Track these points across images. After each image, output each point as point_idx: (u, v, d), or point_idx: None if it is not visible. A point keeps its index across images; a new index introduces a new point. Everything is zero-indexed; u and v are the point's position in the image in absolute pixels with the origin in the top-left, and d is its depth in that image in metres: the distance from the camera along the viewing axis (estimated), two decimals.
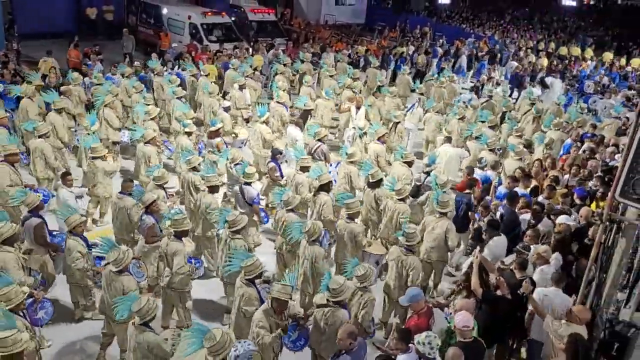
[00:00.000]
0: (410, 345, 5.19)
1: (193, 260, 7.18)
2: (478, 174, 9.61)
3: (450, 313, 5.88)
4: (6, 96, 11.63)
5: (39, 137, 9.13)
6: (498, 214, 8.26)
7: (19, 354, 4.66)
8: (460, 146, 11.31)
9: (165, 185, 8.14)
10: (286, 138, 11.17)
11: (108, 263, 6.15)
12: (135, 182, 8.36)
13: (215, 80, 14.60)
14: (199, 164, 8.44)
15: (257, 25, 22.26)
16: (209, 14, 20.54)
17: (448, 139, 10.99)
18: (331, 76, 15.10)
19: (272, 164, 9.07)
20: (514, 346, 6.81)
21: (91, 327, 7.02)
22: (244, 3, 23.32)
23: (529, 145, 11.16)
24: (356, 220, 7.68)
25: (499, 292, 6.11)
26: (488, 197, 9.10)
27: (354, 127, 10.80)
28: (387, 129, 11.27)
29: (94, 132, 9.65)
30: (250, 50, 18.59)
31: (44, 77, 13.53)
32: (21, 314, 5.42)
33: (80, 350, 6.81)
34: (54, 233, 7.42)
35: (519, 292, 6.08)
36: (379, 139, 10.41)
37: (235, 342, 5.18)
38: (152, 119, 10.48)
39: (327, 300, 5.83)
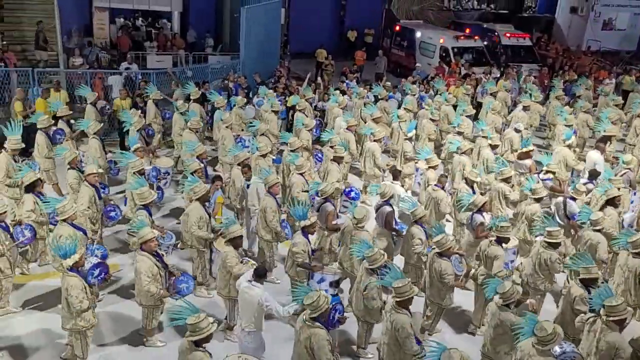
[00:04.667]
0: None
1: (506, 267, 7.90)
2: None
3: None
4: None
5: (374, 140, 11.05)
6: None
7: None
8: None
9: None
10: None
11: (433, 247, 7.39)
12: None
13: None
14: (509, 177, 9.47)
15: (510, 49, 22.70)
16: (462, 37, 21.84)
17: None
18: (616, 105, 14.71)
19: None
20: None
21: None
22: (499, 27, 23.96)
23: None
24: None
25: None
26: None
27: None
28: None
29: (409, 138, 11.40)
30: (498, 75, 19.03)
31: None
32: None
33: None
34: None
35: None
36: None
37: (562, 341, 5.77)
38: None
39: None
